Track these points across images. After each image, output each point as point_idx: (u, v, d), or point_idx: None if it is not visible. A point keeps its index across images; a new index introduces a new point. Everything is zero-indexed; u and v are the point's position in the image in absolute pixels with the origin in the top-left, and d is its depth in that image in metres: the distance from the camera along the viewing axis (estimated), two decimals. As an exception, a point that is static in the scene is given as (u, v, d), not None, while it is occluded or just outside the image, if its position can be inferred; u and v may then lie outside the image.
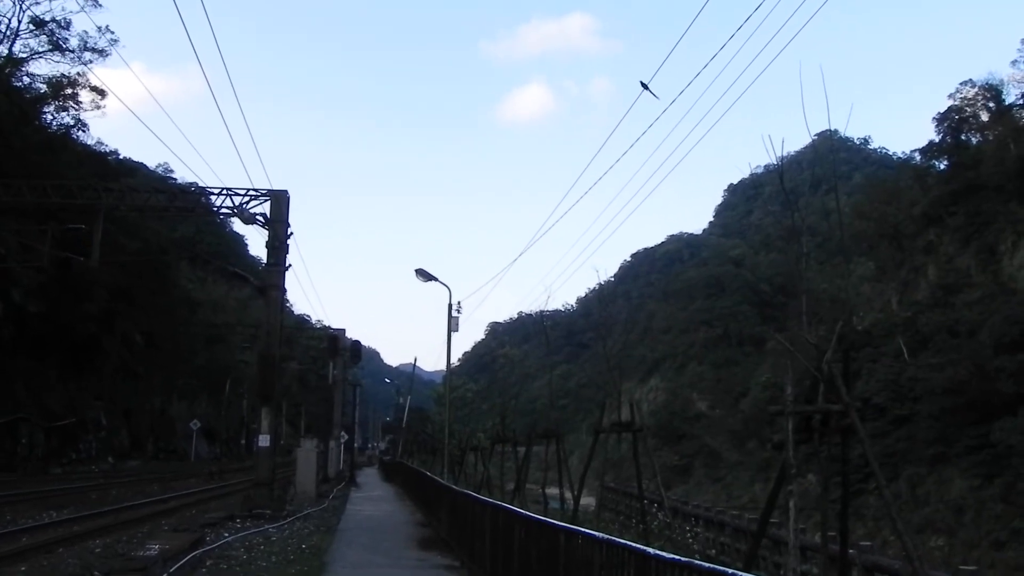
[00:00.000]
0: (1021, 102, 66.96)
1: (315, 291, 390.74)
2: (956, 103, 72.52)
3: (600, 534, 6.93)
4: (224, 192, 27.75)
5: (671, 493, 43.46)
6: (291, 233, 28.18)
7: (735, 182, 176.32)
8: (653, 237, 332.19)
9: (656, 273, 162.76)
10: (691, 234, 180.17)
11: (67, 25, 50.20)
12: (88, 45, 50.71)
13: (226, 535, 18.94)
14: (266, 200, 27.74)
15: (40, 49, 50.20)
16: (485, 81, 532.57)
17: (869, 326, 62.56)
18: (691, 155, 74.56)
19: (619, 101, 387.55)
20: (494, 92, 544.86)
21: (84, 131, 55.08)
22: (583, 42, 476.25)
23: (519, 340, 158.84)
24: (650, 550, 5.68)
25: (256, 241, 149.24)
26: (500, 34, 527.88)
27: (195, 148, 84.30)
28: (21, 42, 49.51)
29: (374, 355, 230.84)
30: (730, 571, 4.67)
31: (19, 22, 48.60)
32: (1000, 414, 42.01)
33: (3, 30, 48.31)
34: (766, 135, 11.48)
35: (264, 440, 26.93)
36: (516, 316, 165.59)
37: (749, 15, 11.02)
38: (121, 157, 68.13)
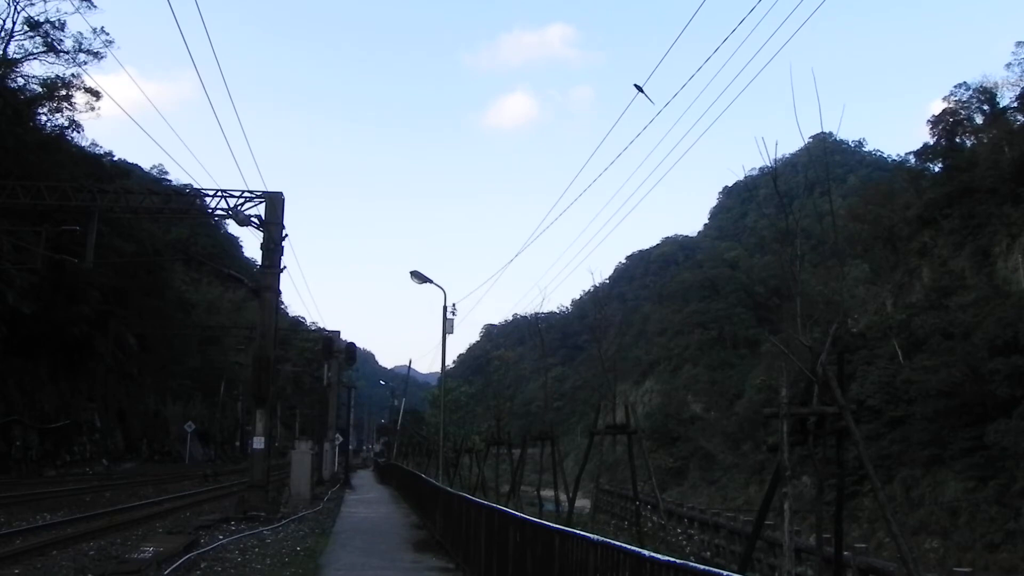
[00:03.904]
0: (1015, 105, 67.23)
1: (310, 293, 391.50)
2: (950, 106, 72.86)
3: (595, 536, 6.92)
4: (219, 194, 27.70)
5: (666, 495, 43.48)
6: (286, 235, 28.19)
7: (730, 184, 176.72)
8: (648, 239, 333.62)
9: (651, 275, 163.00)
10: (686, 236, 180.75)
11: (62, 26, 50.00)
12: (83, 47, 50.51)
13: (220, 537, 18.91)
14: (261, 202, 27.69)
15: (34, 50, 49.95)
16: (472, 89, 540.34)
17: (864, 328, 62.68)
18: (685, 157, 74.61)
19: (602, 108, 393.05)
20: (480, 99, 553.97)
21: (79, 132, 54.87)
22: (564, 52, 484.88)
23: (514, 342, 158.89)
24: (645, 552, 5.68)
25: (251, 243, 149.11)
26: (482, 44, 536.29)
27: (190, 150, 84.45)
28: (15, 43, 49.36)
29: (369, 357, 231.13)
30: (725, 573, 4.66)
31: (13, 23, 48.46)
32: (994, 416, 42.12)
33: (-2, 31, 48.19)
34: (760, 137, 11.48)
35: (259, 442, 26.88)
36: (511, 318, 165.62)
37: (743, 18, 11.04)
38: (116, 159, 67.78)
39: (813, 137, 32.71)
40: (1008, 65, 68.97)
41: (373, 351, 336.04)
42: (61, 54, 50.42)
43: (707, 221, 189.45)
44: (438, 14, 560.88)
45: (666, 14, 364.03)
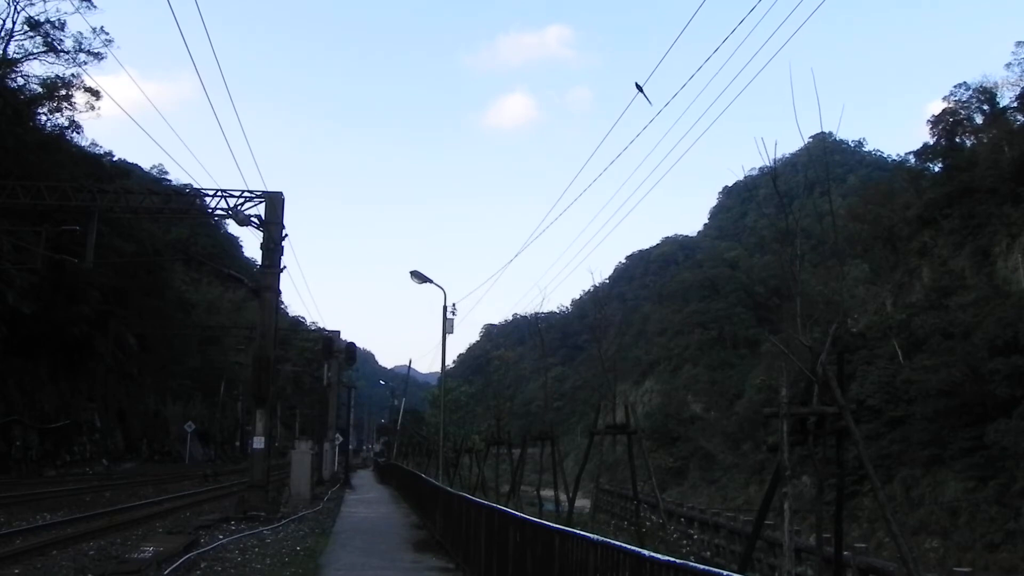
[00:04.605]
0: (1015, 105, 67.24)
1: (310, 293, 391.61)
2: (950, 106, 72.90)
3: (595, 536, 6.91)
4: (219, 194, 27.70)
5: (666, 495, 43.48)
6: (286, 235, 28.18)
7: (729, 184, 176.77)
8: (648, 239, 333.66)
9: (651, 275, 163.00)
10: (686, 236, 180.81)
11: (62, 26, 49.99)
12: (83, 47, 50.52)
13: (220, 537, 18.90)
14: (260, 202, 27.69)
15: (35, 50, 49.96)
16: (471, 89, 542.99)
17: (864, 328, 62.68)
18: (685, 157, 74.72)
19: (600, 109, 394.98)
20: (480, 100, 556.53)
21: (79, 132, 54.91)
22: (562, 53, 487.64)
23: (514, 342, 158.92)
24: (645, 552, 5.68)
25: (250, 243, 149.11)
26: (480, 45, 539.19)
27: (190, 150, 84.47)
28: (15, 43, 49.36)
29: (369, 357, 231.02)
30: (725, 573, 4.66)
31: (13, 23, 48.46)
32: (994, 416, 42.13)
33: (-2, 31, 48.19)
34: (760, 137, 11.48)
35: (259, 442, 26.87)
36: (511, 318, 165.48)
37: (743, 18, 11.03)
38: (116, 159, 67.91)
39: (813, 137, 32.74)
40: (1008, 65, 69.13)
41: (373, 351, 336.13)
42: (61, 54, 50.47)
43: (707, 221, 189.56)
44: (437, 15, 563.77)
45: (663, 15, 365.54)
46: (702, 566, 5.03)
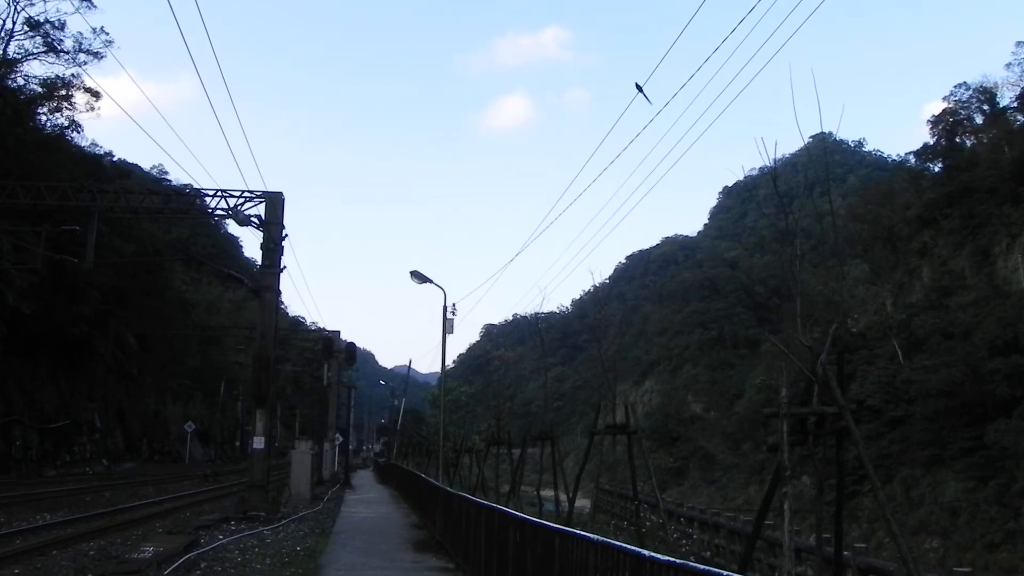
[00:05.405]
0: (1015, 105, 67.23)
1: (310, 293, 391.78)
2: (950, 106, 72.90)
3: (595, 536, 6.91)
4: (219, 194, 27.70)
5: (666, 495, 43.48)
6: (286, 235, 28.18)
7: (729, 184, 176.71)
8: (648, 239, 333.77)
9: (651, 275, 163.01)
10: (686, 236, 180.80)
11: (61, 26, 49.98)
12: (83, 47, 50.51)
13: (220, 537, 18.90)
14: (261, 202, 27.69)
15: (34, 50, 49.91)
16: (470, 91, 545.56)
17: (864, 328, 62.66)
18: (685, 158, 74.93)
19: (598, 110, 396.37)
20: (478, 101, 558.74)
21: (79, 132, 54.87)
22: (559, 54, 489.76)
23: (514, 342, 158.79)
24: (645, 552, 5.67)
25: (251, 243, 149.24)
26: (478, 47, 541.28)
27: (190, 150, 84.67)
28: (15, 43, 49.34)
29: (369, 357, 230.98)
30: (725, 573, 4.66)
31: (13, 23, 48.45)
32: (994, 416, 42.12)
33: (-2, 31, 48.17)
34: (760, 137, 11.48)
35: (259, 442, 26.86)
36: (511, 318, 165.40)
37: (743, 18, 11.03)
38: (116, 159, 68.03)
39: (813, 137, 32.72)
40: (1008, 65, 69.14)
41: (373, 351, 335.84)
42: (61, 54, 50.42)
43: (707, 221, 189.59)
44: (435, 17, 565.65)
45: (663, 15, 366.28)
46: (702, 566, 5.03)
